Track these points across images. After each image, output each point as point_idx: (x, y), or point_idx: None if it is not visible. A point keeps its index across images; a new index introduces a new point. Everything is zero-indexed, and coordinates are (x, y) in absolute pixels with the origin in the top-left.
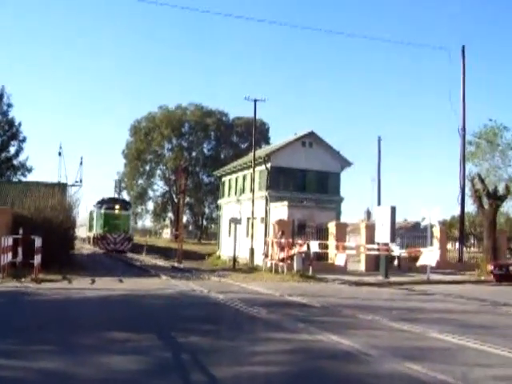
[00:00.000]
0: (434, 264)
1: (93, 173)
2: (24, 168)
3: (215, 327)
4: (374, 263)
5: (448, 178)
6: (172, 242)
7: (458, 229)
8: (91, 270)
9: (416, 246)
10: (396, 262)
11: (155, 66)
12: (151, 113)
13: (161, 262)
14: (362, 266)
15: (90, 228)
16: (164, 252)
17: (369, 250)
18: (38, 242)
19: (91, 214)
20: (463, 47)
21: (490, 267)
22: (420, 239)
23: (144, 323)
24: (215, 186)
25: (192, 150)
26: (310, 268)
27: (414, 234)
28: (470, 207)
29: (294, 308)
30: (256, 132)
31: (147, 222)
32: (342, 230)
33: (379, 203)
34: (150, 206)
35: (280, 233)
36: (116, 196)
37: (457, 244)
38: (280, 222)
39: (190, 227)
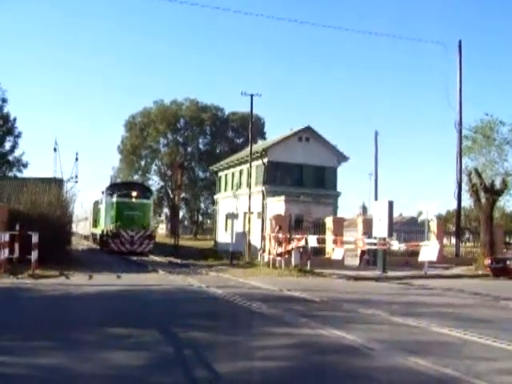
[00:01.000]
0: (434, 259)
1: (88, 168)
2: (19, 163)
3: (216, 322)
4: (371, 258)
5: (444, 173)
6: (168, 238)
7: (453, 223)
8: (88, 266)
9: (412, 240)
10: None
11: (150, 62)
12: (146, 108)
13: (157, 258)
14: (359, 261)
15: (96, 223)
16: (160, 247)
17: (366, 244)
18: (35, 237)
19: (96, 204)
20: (460, 42)
21: (487, 261)
22: (417, 234)
23: (144, 319)
24: (211, 181)
25: (187, 146)
26: (308, 262)
27: (410, 229)
28: (466, 202)
29: (294, 303)
30: (252, 127)
31: None
32: (340, 225)
33: (376, 198)
34: None
35: (277, 228)
36: (132, 180)
37: (453, 239)
38: (277, 217)
39: (186, 222)
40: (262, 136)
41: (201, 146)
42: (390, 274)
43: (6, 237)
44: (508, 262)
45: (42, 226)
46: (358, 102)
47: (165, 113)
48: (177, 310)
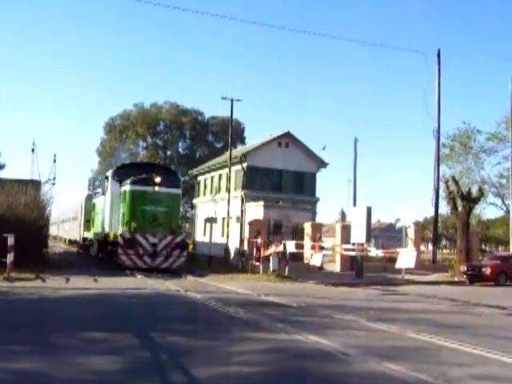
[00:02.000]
0: (412, 265)
1: (66, 170)
2: None
3: (193, 327)
4: (349, 263)
5: (423, 180)
6: None
7: (431, 230)
8: (65, 269)
9: (390, 246)
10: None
11: (130, 64)
12: (126, 111)
13: None
14: (337, 266)
15: (89, 224)
16: None
17: (345, 250)
18: (11, 239)
19: (89, 199)
20: (439, 50)
21: (463, 268)
22: (394, 240)
23: (121, 323)
24: (190, 185)
25: (167, 149)
26: (286, 268)
27: (388, 235)
28: (443, 209)
29: (272, 308)
30: (232, 132)
31: None
32: (318, 231)
33: (355, 204)
34: None
35: (256, 233)
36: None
37: (430, 245)
38: (256, 222)
39: None
40: (242, 141)
41: (180, 150)
42: (368, 279)
43: None
44: (483, 269)
45: (18, 228)
46: (339, 109)
47: (145, 116)
48: (154, 315)
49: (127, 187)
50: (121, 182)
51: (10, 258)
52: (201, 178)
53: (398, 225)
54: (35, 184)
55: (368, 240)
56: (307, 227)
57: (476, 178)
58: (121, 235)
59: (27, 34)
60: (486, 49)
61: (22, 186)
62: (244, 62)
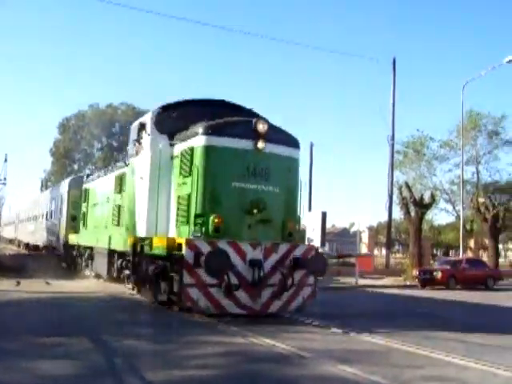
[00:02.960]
0: (370, 269)
1: (17, 171)
2: None
3: (149, 330)
4: None
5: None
6: None
7: (384, 235)
8: (15, 272)
9: (345, 250)
10: None
11: (85, 63)
12: (81, 111)
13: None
14: None
15: (80, 223)
16: None
17: None
18: None
19: (78, 185)
20: (394, 59)
21: (416, 272)
22: (349, 244)
23: (75, 327)
24: None
25: (122, 150)
26: None
27: (342, 240)
28: (397, 214)
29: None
30: None
31: None
32: None
33: (310, 208)
34: None
35: None
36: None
37: (383, 250)
38: None
39: None
40: None
41: None
42: (321, 283)
43: None
44: (435, 273)
45: None
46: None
47: (100, 117)
48: (109, 318)
49: (200, 140)
50: (172, 134)
51: None
52: None
53: (353, 229)
54: None
55: (323, 244)
56: None
57: (428, 185)
58: (189, 244)
59: None
60: (442, 57)
61: None
62: (204, 66)
